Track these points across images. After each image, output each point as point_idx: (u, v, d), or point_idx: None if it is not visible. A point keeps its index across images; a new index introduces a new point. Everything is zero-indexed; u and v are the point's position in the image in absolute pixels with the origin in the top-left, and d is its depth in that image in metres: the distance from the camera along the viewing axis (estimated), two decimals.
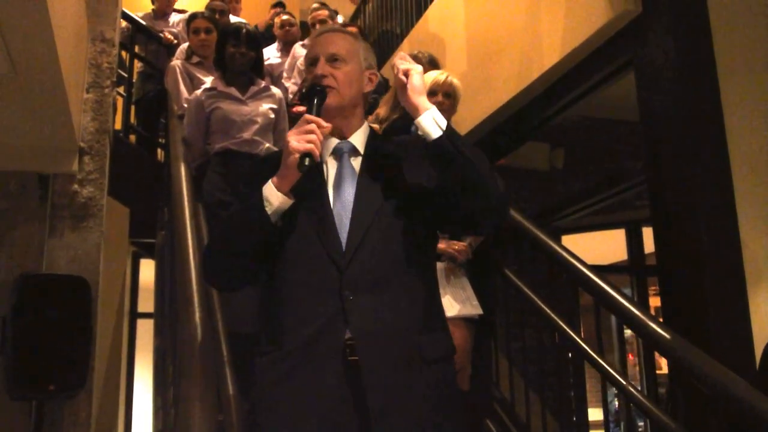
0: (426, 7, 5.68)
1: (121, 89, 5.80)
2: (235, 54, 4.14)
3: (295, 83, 5.48)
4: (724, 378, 2.26)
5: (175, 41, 5.83)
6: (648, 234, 5.31)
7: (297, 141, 1.72)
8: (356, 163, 1.91)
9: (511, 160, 5.09)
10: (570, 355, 4.06)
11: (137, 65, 6.19)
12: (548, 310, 3.35)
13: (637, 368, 6.69)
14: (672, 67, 3.08)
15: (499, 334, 3.89)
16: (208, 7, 6.07)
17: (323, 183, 1.87)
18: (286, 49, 5.97)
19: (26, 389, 3.46)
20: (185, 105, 4.52)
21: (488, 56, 4.51)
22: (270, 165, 1.84)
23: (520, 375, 3.71)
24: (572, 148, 5.51)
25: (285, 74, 5.74)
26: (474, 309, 3.35)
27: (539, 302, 3.42)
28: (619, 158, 5.15)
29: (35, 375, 3.44)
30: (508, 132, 4.51)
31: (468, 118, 4.49)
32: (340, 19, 6.57)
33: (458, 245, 3.37)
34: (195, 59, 4.98)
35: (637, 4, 3.25)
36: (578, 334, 3.27)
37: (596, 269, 2.97)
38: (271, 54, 6.00)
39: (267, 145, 4.07)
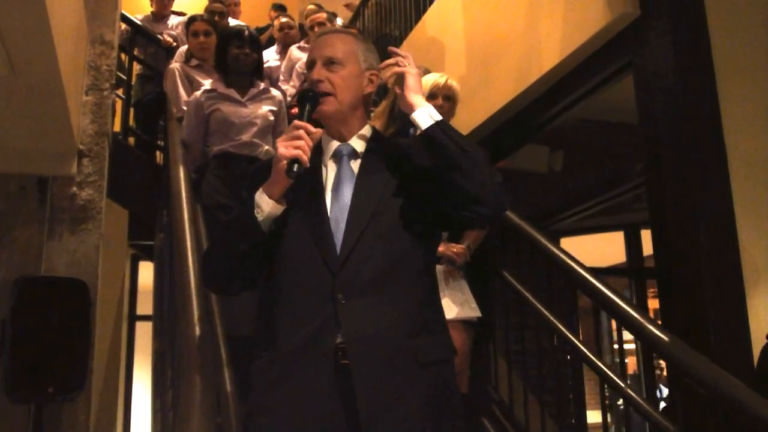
0: (425, 11, 5.68)
1: (120, 92, 5.81)
2: (239, 55, 4.14)
3: (293, 86, 5.48)
4: (722, 380, 2.26)
5: (174, 44, 5.83)
6: (647, 236, 5.32)
7: (285, 147, 1.71)
8: (356, 165, 1.90)
9: (510, 162, 5.09)
10: (569, 357, 4.06)
11: (136, 68, 6.19)
12: (547, 313, 3.35)
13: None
14: (671, 69, 3.08)
15: (498, 336, 3.89)
16: (207, 9, 6.08)
17: (322, 187, 1.86)
18: (285, 52, 5.98)
19: (25, 392, 3.45)
20: (184, 108, 4.52)
21: (487, 59, 4.52)
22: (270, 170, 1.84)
23: (518, 377, 3.71)
24: (571, 151, 5.50)
25: (282, 77, 5.75)
26: (473, 311, 3.35)
27: (538, 305, 3.42)
28: (618, 161, 5.15)
29: (34, 377, 3.44)
30: (507, 134, 4.51)
31: (467, 121, 4.49)
32: (339, 21, 6.57)
33: (456, 248, 3.37)
34: (194, 62, 4.98)
35: (635, 7, 3.26)
36: (577, 337, 3.27)
37: (595, 272, 2.97)
38: (270, 56, 6.00)
39: (266, 147, 4.07)
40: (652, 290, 5.99)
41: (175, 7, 6.87)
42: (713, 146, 3.00)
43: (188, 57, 5.05)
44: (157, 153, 5.97)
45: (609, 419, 3.29)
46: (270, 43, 6.40)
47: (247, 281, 1.92)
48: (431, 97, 3.51)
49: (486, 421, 3.64)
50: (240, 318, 3.10)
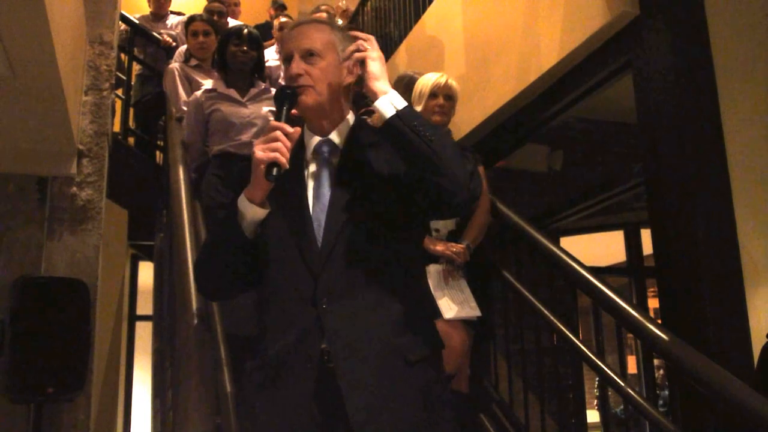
0: (424, 10, 5.68)
1: (119, 92, 5.81)
2: (236, 52, 4.14)
3: None
4: (722, 379, 2.26)
5: (174, 43, 5.84)
6: (646, 236, 5.32)
7: (262, 151, 1.67)
8: (336, 161, 1.85)
9: (510, 161, 5.09)
10: (568, 356, 4.05)
11: (136, 68, 6.20)
12: (547, 312, 3.35)
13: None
14: (670, 68, 3.08)
15: (498, 335, 3.89)
16: (206, 9, 6.08)
17: (304, 186, 1.82)
18: None
19: (25, 392, 3.45)
20: (183, 108, 4.52)
21: (486, 58, 4.52)
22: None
23: (518, 377, 3.71)
24: (571, 150, 5.50)
25: (282, 76, 5.75)
26: (472, 311, 3.35)
27: (538, 304, 3.42)
28: (617, 160, 5.15)
29: (34, 378, 3.44)
30: (506, 134, 4.51)
31: (466, 121, 4.49)
32: (338, 23, 6.57)
33: (456, 247, 3.37)
34: (193, 62, 4.98)
35: (634, 6, 3.26)
36: (577, 336, 3.27)
37: (595, 271, 2.97)
38: (270, 56, 6.00)
39: None
40: (652, 289, 5.98)
41: (173, 7, 6.87)
42: (712, 145, 3.00)
43: (187, 57, 5.05)
44: (157, 153, 5.98)
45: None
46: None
47: (239, 285, 1.90)
48: (432, 96, 3.52)
49: (486, 421, 3.64)
50: (240, 317, 3.10)
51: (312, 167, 1.85)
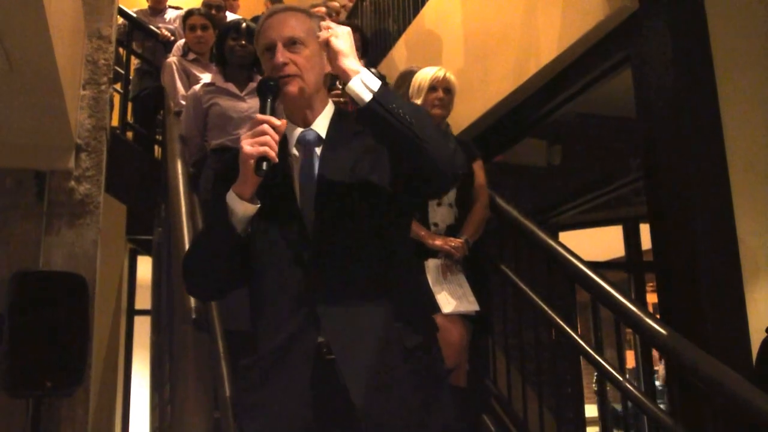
0: (423, 4, 5.67)
1: (117, 86, 5.80)
2: (235, 47, 4.12)
3: None
4: (720, 374, 2.26)
5: (172, 38, 5.82)
6: (645, 230, 5.31)
7: (250, 145, 1.62)
8: (321, 151, 1.81)
9: (509, 156, 5.09)
10: (567, 351, 4.05)
11: (134, 62, 6.18)
12: (545, 307, 3.35)
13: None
14: (669, 63, 3.07)
15: (497, 330, 3.89)
16: (204, 3, 6.06)
17: (290, 179, 1.79)
18: None
19: (23, 386, 3.46)
20: (182, 102, 4.51)
21: (485, 53, 4.51)
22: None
23: (517, 371, 3.71)
24: (570, 145, 5.50)
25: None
26: (471, 305, 3.35)
27: (536, 299, 3.42)
28: (616, 154, 5.15)
29: (32, 372, 3.44)
30: (505, 129, 4.51)
31: (465, 115, 4.48)
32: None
33: (455, 242, 3.36)
34: (191, 56, 4.96)
35: (633, 0, 3.25)
36: (575, 331, 3.27)
37: (593, 266, 2.97)
38: None
39: None
40: (651, 284, 5.99)
41: (171, 1, 6.85)
42: (712, 140, 2.99)
43: (185, 51, 5.03)
44: (156, 147, 5.97)
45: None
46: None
47: (229, 284, 1.86)
48: (432, 89, 3.51)
49: (484, 415, 3.65)
50: (237, 312, 3.09)
51: (296, 159, 1.82)
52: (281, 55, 1.77)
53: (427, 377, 1.73)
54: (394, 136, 1.64)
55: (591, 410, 4.90)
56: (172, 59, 4.93)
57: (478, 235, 3.53)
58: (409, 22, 5.89)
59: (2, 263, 3.80)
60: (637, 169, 4.41)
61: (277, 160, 1.64)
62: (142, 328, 5.97)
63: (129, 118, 5.92)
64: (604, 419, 3.14)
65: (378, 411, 1.63)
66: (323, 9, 5.96)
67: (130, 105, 5.98)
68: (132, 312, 6.49)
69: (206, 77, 4.32)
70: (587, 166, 5.46)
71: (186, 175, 3.96)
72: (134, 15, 6.07)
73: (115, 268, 5.56)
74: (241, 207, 1.68)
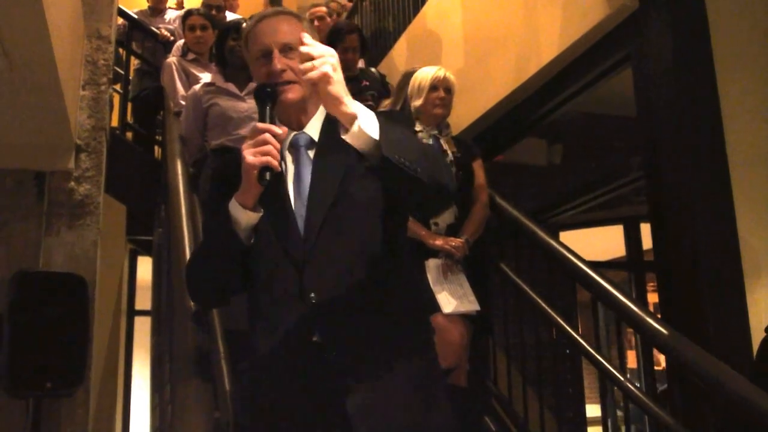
0: (423, 3, 5.66)
1: (117, 86, 5.80)
2: (235, 47, 4.12)
3: None
4: (721, 373, 2.26)
5: (171, 38, 5.82)
6: (646, 230, 5.31)
7: (252, 155, 1.60)
8: (314, 153, 1.82)
9: (509, 155, 5.08)
10: (567, 351, 4.05)
11: (134, 62, 6.18)
12: (546, 307, 3.35)
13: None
14: (670, 61, 3.07)
15: (497, 330, 3.89)
16: (204, 3, 6.06)
17: (284, 182, 1.78)
18: None
19: (23, 387, 3.45)
20: (181, 102, 4.51)
21: (486, 52, 4.50)
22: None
23: (517, 371, 3.71)
24: (570, 144, 5.49)
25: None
26: (471, 305, 3.34)
27: (537, 298, 3.42)
28: (617, 154, 5.14)
29: (32, 373, 3.44)
30: (505, 128, 4.50)
31: (465, 114, 4.48)
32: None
33: (455, 241, 3.36)
34: (191, 56, 4.96)
35: None
36: (576, 330, 3.27)
37: (594, 265, 2.97)
38: None
39: None
40: (651, 284, 5.98)
41: (172, 2, 6.86)
42: (712, 138, 2.99)
43: (185, 51, 5.04)
44: (156, 148, 5.97)
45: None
46: None
47: (232, 291, 1.87)
48: (433, 89, 3.51)
49: (485, 415, 3.64)
50: (237, 312, 3.09)
51: (290, 162, 1.82)
52: (279, 62, 1.76)
53: (425, 377, 1.73)
54: (400, 183, 1.63)
55: (591, 410, 4.90)
56: (172, 59, 4.93)
57: (479, 235, 3.52)
58: (409, 22, 5.89)
59: (2, 264, 3.80)
60: (637, 169, 4.40)
61: (279, 168, 1.63)
62: (143, 328, 5.96)
63: (129, 118, 5.92)
64: (605, 419, 3.14)
65: (377, 411, 1.63)
66: (324, 9, 5.97)
67: (129, 105, 5.98)
68: (132, 312, 6.48)
69: (206, 77, 4.32)
70: (588, 166, 5.46)
71: (186, 175, 3.96)
72: (134, 15, 6.07)
73: (115, 269, 5.56)
74: (245, 216, 1.67)
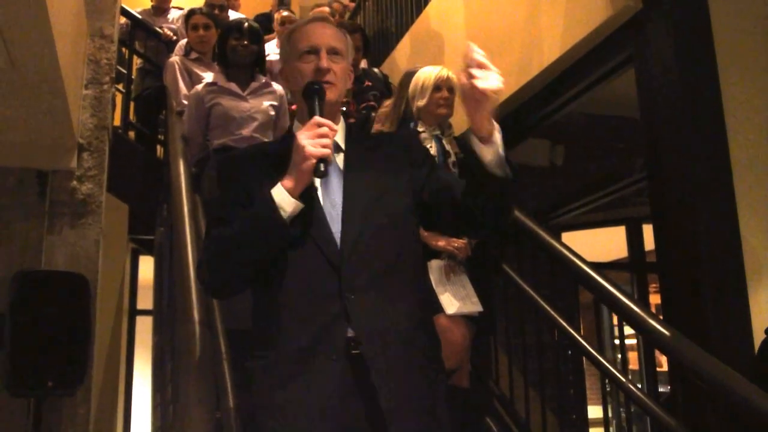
0: (426, 3, 5.66)
1: (120, 86, 5.79)
2: (237, 47, 4.13)
3: None
4: (723, 375, 2.25)
5: (174, 37, 5.82)
6: (648, 231, 5.30)
7: (313, 146, 1.66)
8: (340, 159, 1.87)
9: (511, 156, 5.07)
10: (570, 352, 4.04)
11: (136, 61, 6.18)
12: (548, 308, 3.35)
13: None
14: (672, 62, 3.07)
15: (499, 331, 3.88)
16: (207, 3, 6.06)
17: (311, 183, 1.79)
18: None
19: (25, 386, 3.46)
20: (184, 101, 4.51)
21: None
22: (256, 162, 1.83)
23: (519, 372, 3.71)
24: (573, 145, 5.49)
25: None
26: (474, 306, 3.34)
27: (539, 299, 3.41)
28: (619, 155, 5.14)
29: (34, 372, 3.44)
30: (508, 128, 4.45)
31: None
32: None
33: (458, 242, 3.35)
34: (193, 55, 4.97)
35: (637, 0, 3.24)
36: (578, 332, 3.27)
37: (596, 266, 2.96)
38: (270, 50, 5.99)
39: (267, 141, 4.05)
40: (654, 285, 5.98)
41: (175, 2, 6.86)
42: (715, 139, 2.99)
43: (188, 50, 5.04)
44: (158, 147, 5.96)
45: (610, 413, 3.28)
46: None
47: (249, 282, 1.87)
48: (436, 89, 3.49)
49: (487, 416, 3.64)
50: (240, 311, 3.09)
51: None
52: (326, 61, 1.84)
53: (436, 379, 1.79)
54: (496, 192, 1.74)
55: (593, 411, 4.89)
56: (175, 59, 4.93)
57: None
58: (412, 22, 5.89)
59: (4, 263, 3.80)
60: (640, 170, 4.40)
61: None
62: (144, 328, 5.95)
63: (131, 117, 5.91)
64: (606, 420, 3.14)
65: (403, 412, 1.66)
66: (326, 9, 5.97)
67: (132, 104, 5.98)
68: (134, 312, 6.47)
69: (208, 77, 4.32)
70: (590, 167, 5.45)
71: (188, 174, 3.96)
72: (137, 14, 6.07)
73: (116, 268, 5.55)
74: (291, 205, 1.70)
